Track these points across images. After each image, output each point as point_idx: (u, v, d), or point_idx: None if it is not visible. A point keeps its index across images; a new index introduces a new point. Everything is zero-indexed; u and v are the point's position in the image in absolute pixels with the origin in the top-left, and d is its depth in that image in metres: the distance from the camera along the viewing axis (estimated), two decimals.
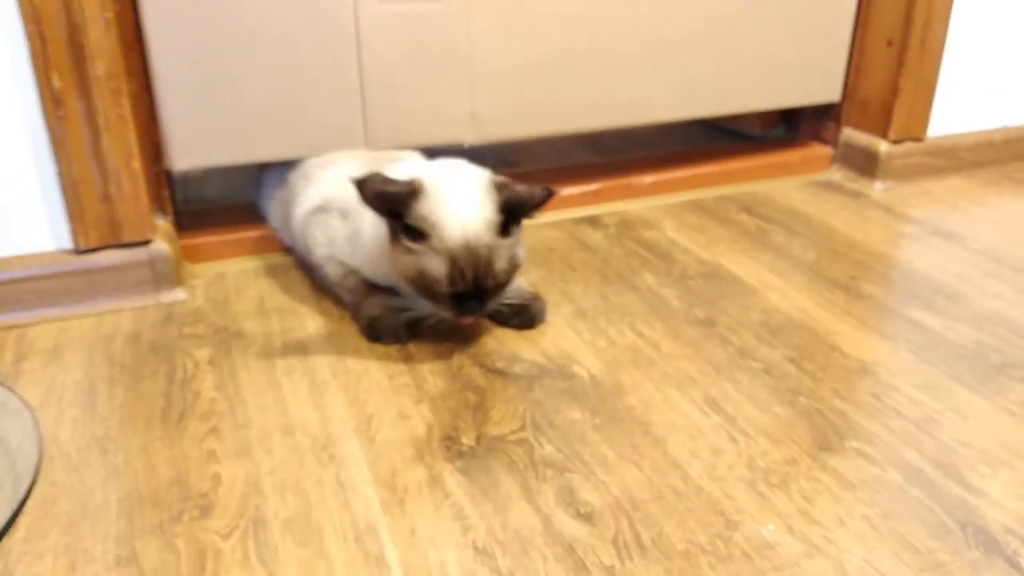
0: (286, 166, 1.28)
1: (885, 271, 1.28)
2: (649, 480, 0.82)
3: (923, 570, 0.71)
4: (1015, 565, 0.71)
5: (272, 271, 1.27)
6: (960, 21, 1.52)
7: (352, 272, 1.12)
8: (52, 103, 1.05)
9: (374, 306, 1.08)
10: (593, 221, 1.43)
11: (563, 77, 1.39)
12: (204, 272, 1.27)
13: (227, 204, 1.45)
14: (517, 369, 1.01)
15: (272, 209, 1.31)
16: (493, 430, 0.89)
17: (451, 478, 0.82)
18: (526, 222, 1.02)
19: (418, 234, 0.96)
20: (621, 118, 1.50)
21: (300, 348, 1.06)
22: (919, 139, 1.59)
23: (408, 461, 0.85)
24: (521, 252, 1.04)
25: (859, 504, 0.78)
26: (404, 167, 1.09)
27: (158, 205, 1.22)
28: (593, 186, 1.49)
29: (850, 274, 1.25)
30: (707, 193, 1.55)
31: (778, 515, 0.77)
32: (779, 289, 1.20)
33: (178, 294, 1.18)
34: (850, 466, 0.83)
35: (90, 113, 1.07)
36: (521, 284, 1.10)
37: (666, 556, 0.72)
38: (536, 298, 1.11)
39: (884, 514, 0.77)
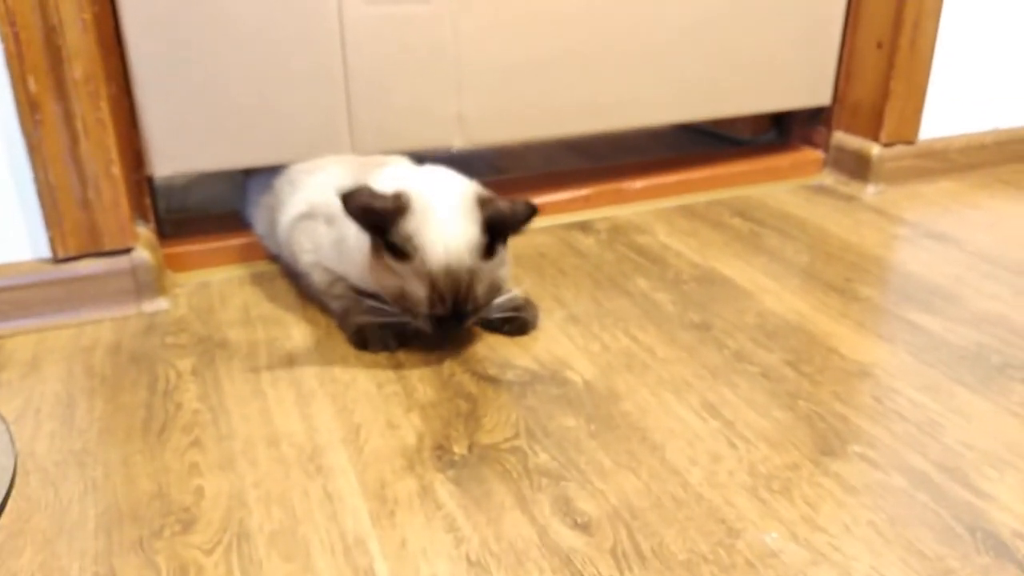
0: (271, 172, 1.25)
1: (880, 273, 1.26)
2: (647, 488, 0.79)
3: None
4: None
5: (257, 279, 1.24)
6: (949, 22, 1.51)
7: (339, 279, 1.10)
8: (28, 107, 1.02)
9: (361, 314, 1.05)
10: (584, 226, 1.41)
11: (551, 80, 1.37)
12: (187, 281, 1.24)
13: (211, 213, 1.42)
14: (509, 376, 0.98)
15: (257, 216, 1.28)
16: (485, 438, 0.87)
17: (443, 488, 0.79)
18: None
19: (400, 253, 0.94)
20: (609, 122, 1.49)
21: (286, 357, 1.03)
22: (910, 142, 1.58)
23: (398, 471, 0.82)
24: (505, 271, 1.03)
25: (864, 510, 0.76)
26: (390, 173, 1.07)
27: (139, 213, 1.19)
28: (583, 191, 1.47)
29: (845, 277, 1.23)
30: (698, 198, 1.53)
31: (781, 522, 0.75)
32: (774, 292, 1.18)
33: (160, 303, 1.15)
34: (853, 471, 0.81)
35: (68, 117, 1.04)
36: (512, 291, 1.08)
37: (667, 566, 0.70)
38: (528, 304, 1.09)
39: (890, 520, 0.75)
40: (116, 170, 1.08)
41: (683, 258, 1.29)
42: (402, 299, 0.97)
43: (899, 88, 1.52)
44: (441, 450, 0.85)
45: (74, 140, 1.05)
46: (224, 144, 1.22)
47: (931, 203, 1.52)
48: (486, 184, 1.04)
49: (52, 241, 1.09)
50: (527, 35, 1.33)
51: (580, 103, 1.41)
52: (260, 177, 1.29)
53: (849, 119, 1.61)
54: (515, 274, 1.09)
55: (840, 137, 1.62)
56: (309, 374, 0.99)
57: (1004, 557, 0.71)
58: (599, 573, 0.69)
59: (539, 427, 0.88)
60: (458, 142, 1.34)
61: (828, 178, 1.63)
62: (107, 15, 1.11)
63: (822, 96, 1.61)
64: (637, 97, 1.45)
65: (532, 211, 0.97)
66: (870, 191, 1.56)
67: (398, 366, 1.01)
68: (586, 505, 0.77)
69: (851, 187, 1.58)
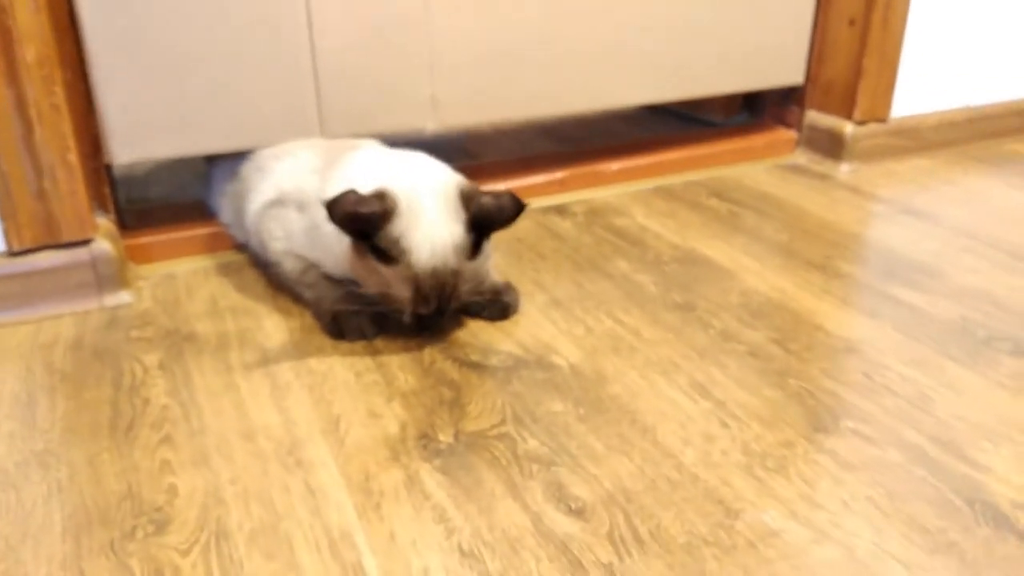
0: (237, 158, 1.21)
1: (860, 250, 1.26)
2: (641, 471, 0.77)
3: (935, 551, 0.67)
4: None
5: (224, 270, 1.19)
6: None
7: (312, 267, 1.06)
8: None
9: (336, 301, 1.01)
10: (560, 210, 1.38)
11: (526, 61, 1.34)
12: (151, 273, 1.19)
13: (174, 202, 1.37)
14: (493, 361, 0.95)
15: (223, 204, 1.23)
16: (471, 426, 0.84)
17: (430, 478, 0.76)
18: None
19: (385, 256, 0.91)
20: (583, 103, 1.47)
21: (258, 349, 0.99)
22: (883, 120, 1.58)
23: (382, 462, 0.79)
24: (489, 263, 1.01)
25: (862, 486, 0.74)
26: (364, 160, 1.03)
27: (98, 202, 1.13)
28: (558, 174, 1.44)
29: (825, 254, 1.22)
30: (674, 179, 1.51)
31: (779, 500, 0.73)
32: (756, 271, 1.16)
33: (123, 297, 1.10)
34: (848, 447, 0.80)
35: (20, 103, 0.99)
36: (492, 275, 1.05)
37: (667, 550, 0.67)
38: (509, 288, 1.06)
39: (889, 495, 0.73)
40: (73, 158, 1.03)
41: (662, 239, 1.27)
42: (385, 297, 0.94)
43: (872, 66, 1.52)
44: (426, 439, 0.82)
45: (28, 127, 1.00)
46: (186, 129, 1.17)
47: (905, 180, 1.52)
48: (460, 170, 1.01)
49: (7, 233, 1.03)
50: (501, 15, 1.30)
51: (554, 84, 1.38)
52: (225, 164, 1.24)
53: (822, 98, 1.60)
54: (494, 259, 1.06)
55: (813, 116, 1.61)
56: (284, 365, 0.95)
57: (1004, 528, 0.69)
58: (597, 559, 0.66)
59: (526, 413, 0.85)
60: (431, 125, 1.30)
61: (801, 157, 1.62)
62: None
63: (795, 75, 1.60)
64: (610, 78, 1.43)
65: (519, 207, 0.93)
66: (844, 169, 1.56)
67: (376, 354, 0.97)
68: (580, 490, 0.74)
69: (825, 166, 1.58)
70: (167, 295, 1.12)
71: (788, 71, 1.60)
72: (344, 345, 0.99)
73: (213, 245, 1.24)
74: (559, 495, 0.74)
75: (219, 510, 0.73)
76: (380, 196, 0.90)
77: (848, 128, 1.55)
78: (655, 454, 0.79)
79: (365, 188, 0.91)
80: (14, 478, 0.78)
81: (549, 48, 1.35)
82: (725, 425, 0.83)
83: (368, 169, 0.99)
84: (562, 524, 0.70)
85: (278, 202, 1.09)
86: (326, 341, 1.00)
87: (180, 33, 1.12)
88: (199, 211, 1.29)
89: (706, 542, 0.68)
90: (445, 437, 0.82)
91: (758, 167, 1.58)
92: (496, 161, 1.57)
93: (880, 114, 1.57)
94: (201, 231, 1.24)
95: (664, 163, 1.54)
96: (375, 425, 0.84)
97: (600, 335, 1.00)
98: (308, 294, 1.06)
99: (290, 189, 1.08)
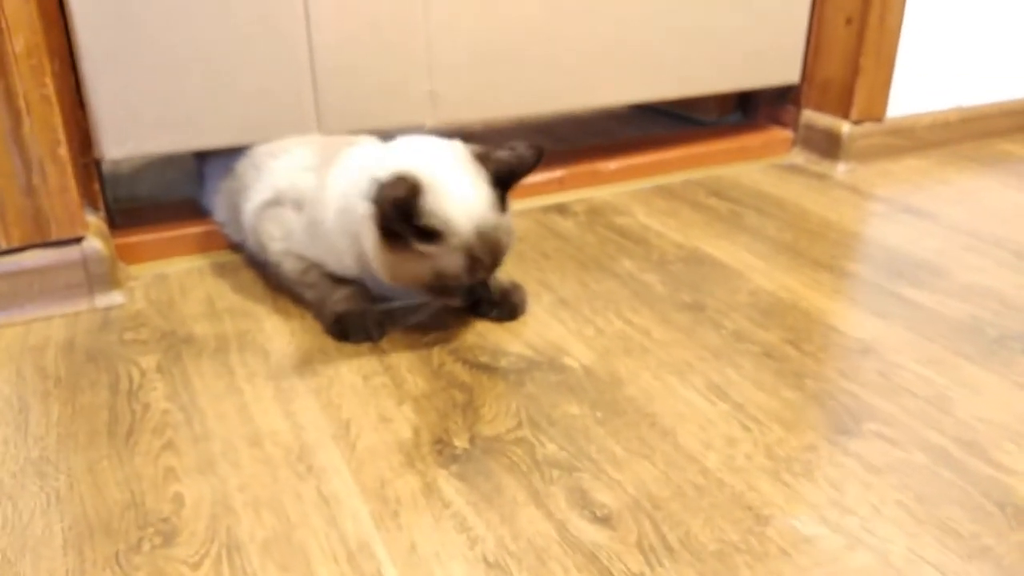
0: (232, 155, 1.17)
1: (864, 249, 1.25)
2: (665, 476, 0.75)
3: (971, 556, 0.66)
4: None
5: (220, 270, 1.16)
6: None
7: (313, 266, 1.02)
8: None
9: (340, 301, 0.99)
10: (561, 209, 1.36)
11: (526, 57, 1.32)
12: (142, 273, 1.15)
13: (164, 201, 1.33)
14: (504, 363, 0.93)
15: (217, 202, 1.20)
16: (487, 430, 0.81)
17: (448, 485, 0.74)
18: None
19: (429, 234, 0.88)
20: (581, 100, 1.45)
21: (260, 351, 0.96)
22: (879, 119, 1.57)
23: (397, 468, 0.76)
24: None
25: (890, 489, 0.73)
26: (365, 153, 1.00)
27: (88, 199, 1.09)
28: (558, 173, 1.42)
29: (830, 254, 1.21)
30: (673, 178, 1.50)
31: (808, 505, 0.71)
32: (762, 271, 1.15)
33: (115, 297, 1.06)
34: (873, 450, 0.78)
35: (9, 95, 0.95)
36: (497, 275, 1.02)
37: (698, 558, 0.65)
38: (516, 288, 1.04)
39: (918, 499, 0.72)
40: (63, 152, 0.99)
41: (665, 238, 1.25)
42: (437, 281, 0.90)
43: (869, 65, 1.51)
44: (441, 444, 0.79)
45: (16, 120, 0.96)
46: (180, 124, 1.13)
47: (902, 180, 1.52)
48: None
49: None
50: (499, 12, 1.27)
51: (552, 81, 1.36)
52: (219, 161, 1.20)
53: (819, 97, 1.59)
54: None
55: (809, 115, 1.61)
56: (287, 368, 0.92)
57: None
58: (628, 569, 0.64)
59: (542, 416, 0.83)
60: (430, 121, 1.27)
61: (798, 157, 1.61)
62: None
63: (791, 74, 1.59)
64: (608, 76, 1.41)
65: (539, 153, 0.93)
66: (841, 169, 1.55)
67: (383, 356, 0.94)
68: (604, 496, 0.72)
69: (822, 165, 1.57)
70: (160, 296, 1.09)
71: (784, 70, 1.59)
72: (348, 347, 0.96)
73: (206, 244, 1.20)
74: (583, 502, 0.71)
75: (229, 519, 0.70)
76: (401, 178, 0.87)
77: (845, 127, 1.55)
78: (678, 458, 0.77)
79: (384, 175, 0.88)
80: (10, 488, 0.74)
81: (547, 45, 1.33)
82: (746, 428, 0.81)
83: (372, 161, 0.95)
84: (588, 532, 0.68)
85: (275, 202, 1.06)
86: (330, 343, 0.97)
87: (174, 23, 1.08)
88: (190, 209, 1.25)
89: (738, 549, 0.66)
90: (460, 442, 0.79)
91: (755, 166, 1.57)
92: None
93: (876, 114, 1.57)
94: (193, 230, 1.21)
95: (662, 162, 1.52)
96: (387, 430, 0.81)
97: (611, 336, 0.98)
98: (310, 295, 1.02)
99: (286, 188, 1.05)
